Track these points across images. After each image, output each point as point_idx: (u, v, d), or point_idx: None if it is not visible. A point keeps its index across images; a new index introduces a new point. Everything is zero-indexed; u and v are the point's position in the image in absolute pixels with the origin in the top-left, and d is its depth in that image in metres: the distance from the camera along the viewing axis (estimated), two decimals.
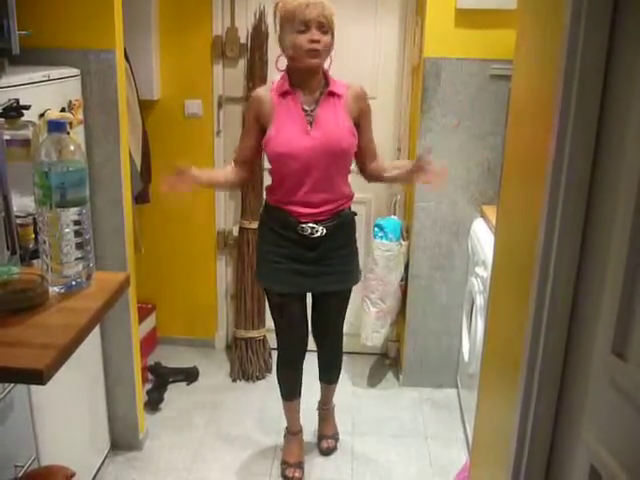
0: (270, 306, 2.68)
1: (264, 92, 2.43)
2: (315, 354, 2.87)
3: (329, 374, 2.88)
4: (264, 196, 3.35)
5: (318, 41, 2.25)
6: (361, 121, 2.44)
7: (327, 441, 2.93)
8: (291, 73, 2.40)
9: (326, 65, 2.40)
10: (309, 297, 2.69)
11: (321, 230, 2.43)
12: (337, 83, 2.42)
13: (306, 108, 2.37)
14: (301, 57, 2.30)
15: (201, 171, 2.42)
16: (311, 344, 2.76)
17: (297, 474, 2.73)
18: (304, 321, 2.67)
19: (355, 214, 2.60)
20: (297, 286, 2.53)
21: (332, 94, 2.38)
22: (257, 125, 2.41)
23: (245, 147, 2.48)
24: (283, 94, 2.37)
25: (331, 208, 2.45)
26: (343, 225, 2.51)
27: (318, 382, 2.93)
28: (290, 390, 2.78)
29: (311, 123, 2.35)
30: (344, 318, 2.75)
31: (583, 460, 1.18)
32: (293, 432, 2.85)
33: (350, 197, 2.54)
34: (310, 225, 2.42)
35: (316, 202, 2.41)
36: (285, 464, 2.77)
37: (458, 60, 2.99)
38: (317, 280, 2.52)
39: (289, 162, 2.35)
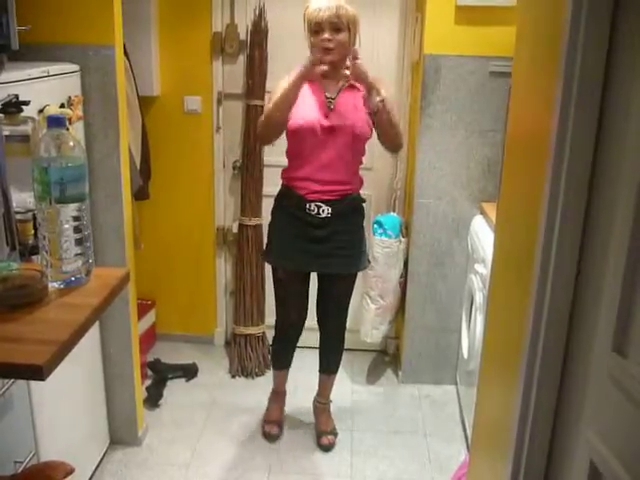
0: (274, 281, 2.80)
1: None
2: (316, 351, 2.92)
3: (329, 362, 2.95)
4: (264, 193, 3.40)
5: (329, 40, 2.45)
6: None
7: (327, 437, 2.94)
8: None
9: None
10: (315, 282, 2.81)
11: (327, 210, 2.57)
12: None
13: (328, 95, 2.58)
14: (315, 56, 2.47)
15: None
16: (312, 340, 2.78)
17: (274, 431, 2.95)
18: (304, 300, 2.82)
19: (364, 200, 2.71)
20: (304, 265, 2.68)
21: (352, 87, 2.58)
22: None
23: None
24: (308, 80, 2.54)
25: (338, 189, 2.59)
26: (350, 209, 2.64)
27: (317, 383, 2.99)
28: (281, 362, 2.99)
29: (331, 108, 2.55)
30: (348, 305, 2.84)
31: (583, 456, 1.18)
32: (277, 392, 3.06)
33: (359, 184, 2.69)
34: (317, 204, 2.57)
35: (325, 180, 2.56)
36: (265, 421, 3.01)
37: (458, 57, 2.99)
38: (323, 261, 2.64)
39: (306, 136, 2.53)
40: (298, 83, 2.45)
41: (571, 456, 1.26)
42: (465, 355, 3.02)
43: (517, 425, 1.38)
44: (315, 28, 2.46)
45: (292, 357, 2.96)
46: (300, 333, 2.87)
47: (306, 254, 2.63)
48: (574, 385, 1.27)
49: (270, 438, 2.94)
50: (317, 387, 3.02)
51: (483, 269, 2.69)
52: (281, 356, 2.98)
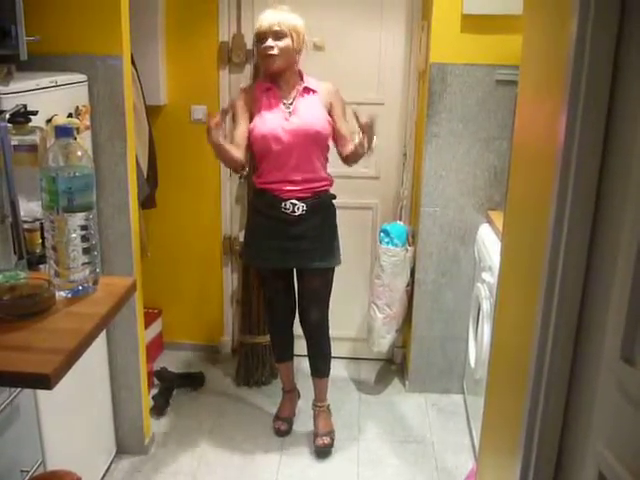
0: (260, 279, 3.06)
1: (250, 87, 2.82)
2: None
3: (317, 364, 3.01)
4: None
5: (272, 47, 2.59)
6: (332, 110, 2.75)
7: (322, 438, 2.93)
8: (270, 77, 2.73)
9: (306, 68, 2.74)
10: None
11: (301, 207, 2.67)
12: (311, 81, 2.75)
13: (285, 102, 2.70)
14: (263, 64, 2.69)
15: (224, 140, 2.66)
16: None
17: (283, 427, 3.07)
18: (288, 294, 2.95)
19: (334, 197, 2.82)
20: (281, 262, 2.79)
21: (307, 90, 2.72)
22: (247, 113, 2.71)
23: (240, 132, 2.71)
24: (265, 90, 2.70)
25: (310, 186, 2.71)
26: (322, 205, 2.76)
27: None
28: (280, 352, 3.10)
29: (290, 113, 2.68)
30: (327, 302, 2.90)
31: (591, 466, 1.18)
32: (286, 390, 3.16)
33: (329, 181, 2.79)
34: (292, 202, 2.67)
35: (297, 180, 2.68)
36: (276, 417, 3.12)
37: (464, 65, 2.99)
38: (299, 256, 2.76)
39: (272, 144, 2.64)
40: (217, 150, 2.59)
41: (579, 466, 1.25)
42: (472, 364, 3.00)
43: (525, 435, 1.38)
44: (259, 38, 2.62)
45: (291, 349, 3.08)
46: (290, 322, 3.00)
47: (282, 252, 2.74)
48: (582, 394, 1.26)
49: (279, 434, 3.05)
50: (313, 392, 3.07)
51: (490, 277, 2.68)
52: (278, 345, 3.09)
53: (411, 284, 3.31)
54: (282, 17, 2.61)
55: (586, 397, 1.24)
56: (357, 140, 2.60)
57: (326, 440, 2.93)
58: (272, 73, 2.67)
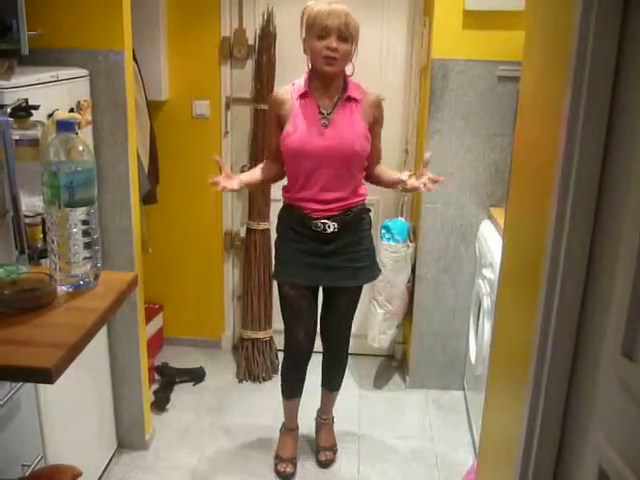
0: (280, 299, 2.68)
1: (284, 93, 2.49)
2: (321, 357, 2.87)
3: (331, 378, 2.87)
4: (272, 197, 3.40)
5: (335, 49, 2.31)
6: (373, 128, 2.51)
7: (325, 453, 2.87)
8: (312, 76, 2.46)
9: (349, 71, 2.48)
10: (321, 297, 2.72)
11: (333, 226, 2.47)
12: (355, 88, 2.48)
13: (323, 111, 2.44)
14: (318, 62, 2.37)
15: (239, 175, 2.57)
16: (318, 347, 2.78)
17: (289, 469, 2.77)
18: (313, 319, 2.69)
19: (369, 210, 2.63)
20: (311, 279, 2.58)
21: (350, 99, 2.45)
22: (278, 124, 2.48)
23: (272, 143, 2.54)
24: (302, 95, 2.44)
25: (342, 205, 2.50)
26: (355, 220, 2.54)
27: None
28: (291, 389, 2.81)
29: (326, 125, 2.42)
30: (352, 319, 2.76)
31: (591, 461, 1.18)
32: (289, 428, 2.89)
33: (363, 196, 2.57)
34: (322, 221, 2.47)
35: (328, 200, 2.47)
36: (278, 458, 2.82)
37: (466, 61, 2.98)
38: (332, 274, 2.55)
39: (302, 160, 2.42)
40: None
41: (580, 462, 1.25)
42: (473, 360, 3.01)
43: (525, 430, 1.38)
44: (321, 33, 2.30)
45: (302, 385, 2.80)
46: (309, 357, 2.73)
47: (315, 268, 2.53)
48: (583, 390, 1.26)
49: (285, 477, 2.75)
50: (319, 402, 2.95)
51: (491, 274, 2.68)
52: (291, 381, 2.80)
53: (412, 280, 3.32)
54: (350, 17, 2.33)
55: (587, 392, 1.24)
56: (407, 180, 2.45)
57: (329, 456, 2.86)
58: (323, 76, 2.40)
